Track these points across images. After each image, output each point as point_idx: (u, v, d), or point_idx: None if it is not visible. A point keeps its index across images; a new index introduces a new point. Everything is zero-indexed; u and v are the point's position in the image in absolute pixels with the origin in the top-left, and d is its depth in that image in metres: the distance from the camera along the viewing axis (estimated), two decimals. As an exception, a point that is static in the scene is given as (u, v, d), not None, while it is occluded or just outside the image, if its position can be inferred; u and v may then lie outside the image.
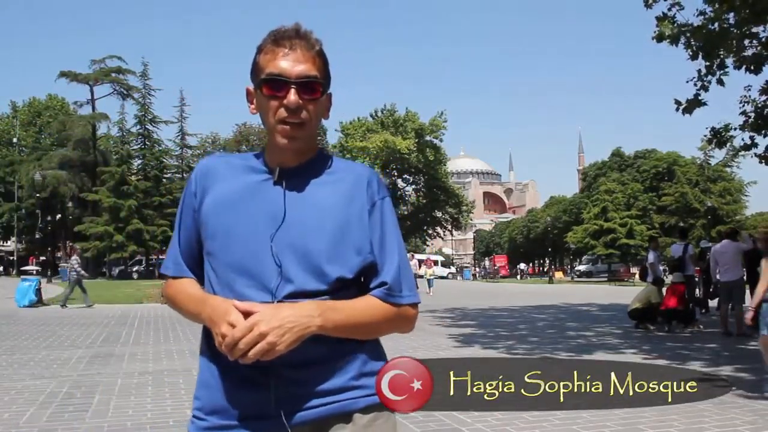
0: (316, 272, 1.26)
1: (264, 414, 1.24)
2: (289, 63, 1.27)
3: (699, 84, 11.06)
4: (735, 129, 11.95)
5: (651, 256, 11.56)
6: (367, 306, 1.30)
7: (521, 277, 60.16)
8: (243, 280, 1.27)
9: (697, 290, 13.33)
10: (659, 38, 10.58)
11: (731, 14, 10.31)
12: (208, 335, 1.31)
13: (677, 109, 11.15)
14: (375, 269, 1.32)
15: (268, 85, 1.28)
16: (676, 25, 10.54)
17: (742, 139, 11.94)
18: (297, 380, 1.25)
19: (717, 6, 10.29)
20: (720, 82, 10.93)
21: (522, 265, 65.39)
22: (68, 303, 16.80)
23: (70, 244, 47.78)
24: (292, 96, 1.26)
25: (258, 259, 1.26)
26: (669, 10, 10.61)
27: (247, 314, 1.19)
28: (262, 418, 1.25)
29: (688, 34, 10.58)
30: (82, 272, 16.87)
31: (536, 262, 78.17)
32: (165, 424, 4.68)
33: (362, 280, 1.34)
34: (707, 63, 10.92)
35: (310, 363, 1.25)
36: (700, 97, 11.02)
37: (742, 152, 12.11)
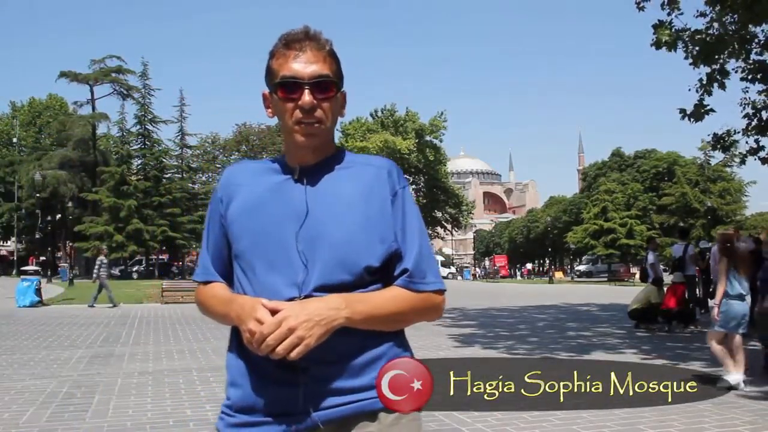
0: (343, 264, 1.28)
1: (292, 411, 1.26)
2: (301, 64, 1.30)
3: (702, 90, 11.02)
4: (736, 132, 11.91)
5: (650, 257, 11.57)
6: (392, 296, 1.31)
7: (528, 277, 60.25)
8: (271, 277, 1.29)
9: (698, 290, 13.34)
10: (657, 45, 10.54)
11: (732, 16, 10.29)
12: (236, 334, 1.33)
13: (683, 117, 11.08)
14: (399, 257, 1.34)
15: (282, 88, 1.31)
16: (673, 30, 10.49)
17: (746, 142, 11.91)
18: (324, 377, 1.26)
19: (719, 7, 10.26)
20: (722, 86, 10.90)
21: (529, 265, 65.47)
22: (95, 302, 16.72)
23: (69, 243, 47.86)
24: (307, 96, 1.29)
25: (284, 256, 1.29)
26: (668, 15, 10.55)
27: (274, 312, 1.21)
28: (290, 414, 1.26)
29: (687, 39, 10.55)
30: (100, 273, 16.71)
31: (536, 262, 78.16)
32: (165, 424, 4.68)
33: (387, 271, 1.35)
34: (708, 69, 10.89)
35: (337, 359, 1.27)
36: (704, 102, 10.99)
37: (747, 156, 11.99)
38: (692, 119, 10.98)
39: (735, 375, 6.02)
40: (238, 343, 1.33)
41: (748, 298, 6.28)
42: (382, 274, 1.34)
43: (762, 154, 11.81)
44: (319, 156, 1.36)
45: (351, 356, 1.28)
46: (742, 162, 12.29)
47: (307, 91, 1.29)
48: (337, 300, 1.24)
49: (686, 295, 11.06)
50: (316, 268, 1.27)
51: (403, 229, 1.35)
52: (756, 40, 10.75)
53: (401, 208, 1.35)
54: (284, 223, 1.30)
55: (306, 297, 1.25)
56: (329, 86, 1.32)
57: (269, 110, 1.39)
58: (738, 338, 6.26)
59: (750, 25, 10.26)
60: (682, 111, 11.14)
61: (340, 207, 1.31)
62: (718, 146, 12.13)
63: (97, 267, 16.91)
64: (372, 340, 1.30)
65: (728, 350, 6.17)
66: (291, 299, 1.25)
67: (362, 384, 1.28)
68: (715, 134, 12.03)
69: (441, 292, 1.37)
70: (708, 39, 10.39)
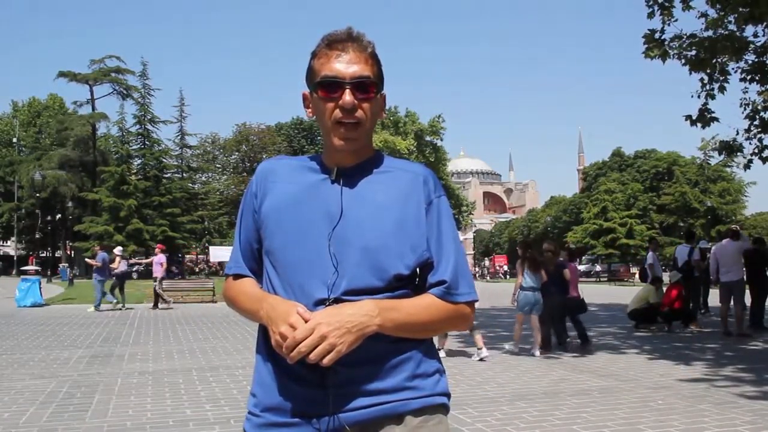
0: (373, 269, 1.27)
1: (319, 412, 1.25)
2: (343, 64, 1.30)
3: (704, 94, 11.00)
4: (738, 133, 11.89)
5: (649, 257, 11.56)
6: (425, 305, 1.31)
7: (511, 276, 60.44)
8: (301, 277, 1.29)
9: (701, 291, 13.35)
10: (649, 56, 10.53)
11: (732, 17, 10.26)
12: (265, 333, 1.32)
13: (691, 124, 11.06)
14: (432, 267, 1.34)
15: (323, 88, 1.31)
16: (664, 41, 10.47)
17: (750, 143, 11.89)
18: (352, 379, 1.25)
19: (719, 7, 10.24)
20: (722, 89, 10.87)
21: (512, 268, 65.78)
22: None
23: (69, 243, 47.82)
24: (347, 96, 1.29)
25: (316, 257, 1.28)
26: (661, 23, 10.51)
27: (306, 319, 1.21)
28: (317, 416, 1.26)
29: (684, 46, 10.52)
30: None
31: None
32: (165, 424, 4.68)
33: (418, 278, 1.35)
34: (706, 73, 10.87)
35: (365, 362, 1.26)
36: (708, 106, 10.97)
37: (753, 158, 11.97)
38: (698, 125, 10.98)
39: (536, 348, 8.07)
40: (265, 343, 1.32)
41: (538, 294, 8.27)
42: (411, 281, 1.33)
43: (765, 153, 11.79)
44: (357, 158, 1.36)
45: (379, 359, 1.27)
46: (747, 167, 12.26)
47: (348, 91, 1.28)
48: (370, 306, 1.22)
49: (686, 295, 11.06)
50: (346, 271, 1.26)
51: (439, 238, 1.34)
52: (756, 41, 10.73)
53: (436, 217, 1.35)
54: (318, 223, 1.30)
55: (335, 299, 1.25)
56: (370, 87, 1.32)
57: (309, 110, 1.39)
58: (534, 318, 8.22)
59: (750, 25, 10.24)
60: (688, 117, 11.12)
61: (375, 211, 1.30)
62: (724, 152, 12.15)
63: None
64: (400, 344, 1.29)
65: (535, 328, 8.21)
66: (320, 300, 1.25)
67: (388, 386, 1.27)
68: (722, 141, 12.07)
69: (472, 303, 1.37)
70: (705, 43, 10.37)
